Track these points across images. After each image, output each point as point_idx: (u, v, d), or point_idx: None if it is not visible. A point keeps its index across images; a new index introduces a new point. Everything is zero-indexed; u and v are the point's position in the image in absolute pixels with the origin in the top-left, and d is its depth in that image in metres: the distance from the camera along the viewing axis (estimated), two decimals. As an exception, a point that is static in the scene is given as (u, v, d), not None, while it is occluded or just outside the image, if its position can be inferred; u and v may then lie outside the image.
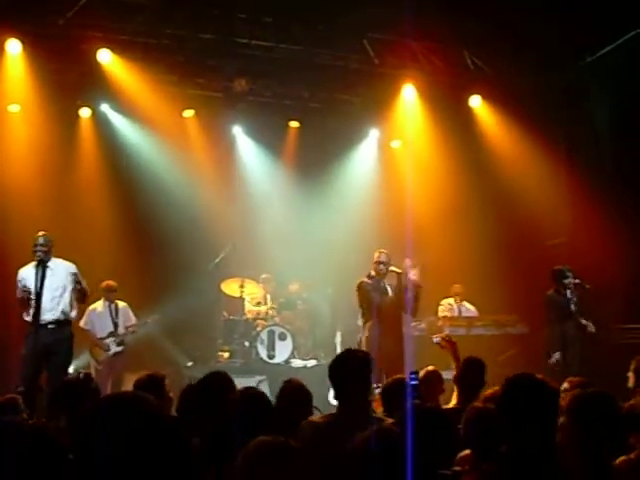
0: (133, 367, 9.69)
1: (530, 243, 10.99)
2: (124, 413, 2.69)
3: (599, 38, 10.13)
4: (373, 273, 9.03)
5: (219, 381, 4.55)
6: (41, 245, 7.96)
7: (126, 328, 10.11)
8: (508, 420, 3.17)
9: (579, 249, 10.24)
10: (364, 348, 8.64)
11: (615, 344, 9.44)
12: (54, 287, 8.00)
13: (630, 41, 9.76)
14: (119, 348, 9.99)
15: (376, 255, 9.02)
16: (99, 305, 10.12)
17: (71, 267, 8.20)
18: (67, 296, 8.12)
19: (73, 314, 8.28)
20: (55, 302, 8.00)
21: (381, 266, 8.92)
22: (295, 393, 4.56)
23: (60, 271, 8.12)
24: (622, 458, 3.55)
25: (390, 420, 3.81)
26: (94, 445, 2.64)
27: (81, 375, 4.93)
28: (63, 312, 8.08)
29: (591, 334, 9.21)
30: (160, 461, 2.60)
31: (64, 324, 8.11)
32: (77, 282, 8.05)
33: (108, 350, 9.92)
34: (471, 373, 5.30)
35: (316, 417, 4.60)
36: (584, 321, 9.20)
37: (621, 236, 9.93)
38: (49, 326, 7.96)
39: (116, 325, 10.09)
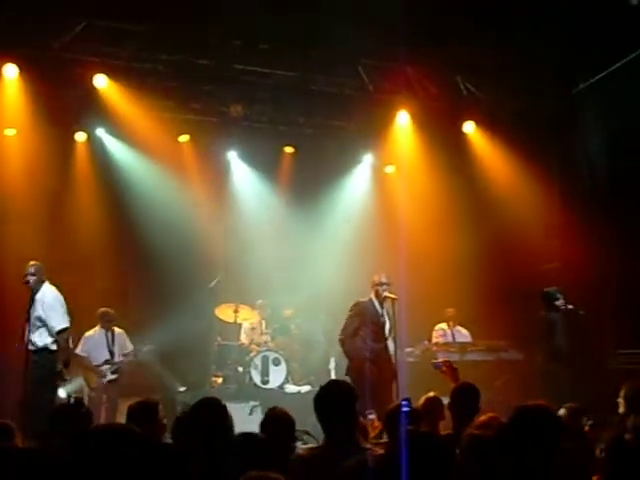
0: (127, 392, 9.63)
1: (523, 268, 10.99)
2: (115, 445, 2.69)
3: (592, 65, 10.23)
4: (372, 296, 9.05)
5: (211, 407, 4.53)
6: (27, 274, 8.14)
7: (123, 355, 10.07)
8: (514, 448, 3.15)
9: (572, 274, 10.25)
10: (353, 372, 8.67)
11: (610, 369, 9.43)
12: (34, 317, 8.10)
13: (623, 68, 9.86)
14: (114, 376, 9.93)
15: (376, 277, 9.03)
16: (95, 332, 10.07)
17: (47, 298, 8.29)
18: (39, 327, 8.19)
19: (44, 343, 8.23)
20: (32, 331, 8.07)
21: (384, 287, 8.93)
22: (279, 421, 4.54)
23: (43, 302, 8.17)
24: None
25: (380, 451, 3.79)
26: (86, 473, 2.64)
27: (72, 400, 4.90)
28: (33, 342, 8.11)
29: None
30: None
31: (37, 353, 8.13)
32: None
33: (104, 377, 9.86)
34: (465, 399, 5.29)
35: (303, 449, 4.55)
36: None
37: (615, 261, 9.96)
38: (32, 354, 8.04)
39: (112, 353, 10.04)
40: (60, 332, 8.21)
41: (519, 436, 3.18)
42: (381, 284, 8.96)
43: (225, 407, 4.53)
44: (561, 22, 9.11)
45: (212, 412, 4.37)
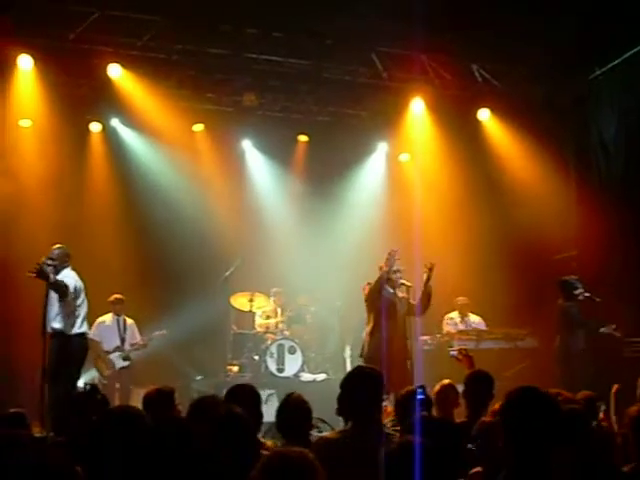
0: (142, 381, 9.71)
1: (538, 256, 10.94)
2: (126, 427, 2.70)
3: (608, 51, 10.13)
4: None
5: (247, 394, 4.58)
6: (48, 258, 8.05)
7: (131, 345, 10.15)
8: (508, 433, 3.16)
9: (588, 263, 10.20)
10: (367, 354, 8.67)
11: (627, 357, 9.38)
12: (51, 302, 8.04)
13: (639, 54, 9.76)
14: (125, 363, 10.03)
15: (389, 261, 8.99)
16: (108, 318, 10.20)
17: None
18: (55, 309, 8.10)
19: (59, 325, 8.17)
20: (50, 315, 7.99)
21: (397, 274, 8.91)
22: (296, 408, 4.55)
23: None
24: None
25: (397, 435, 3.80)
26: (100, 458, 2.65)
27: (87, 387, 4.94)
28: (52, 327, 8.07)
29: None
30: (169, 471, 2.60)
31: (54, 336, 8.09)
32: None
33: (114, 366, 9.95)
34: (479, 387, 5.29)
35: (328, 433, 4.57)
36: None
37: (630, 249, 9.89)
38: (50, 339, 7.99)
39: (123, 340, 10.14)
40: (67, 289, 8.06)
41: (510, 420, 3.20)
42: (394, 272, 8.93)
43: (259, 395, 4.60)
44: (577, 8, 9.03)
45: (247, 398, 4.41)
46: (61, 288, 8.00)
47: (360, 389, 4.14)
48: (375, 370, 4.46)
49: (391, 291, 8.94)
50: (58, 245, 8.31)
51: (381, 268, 8.88)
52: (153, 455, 2.43)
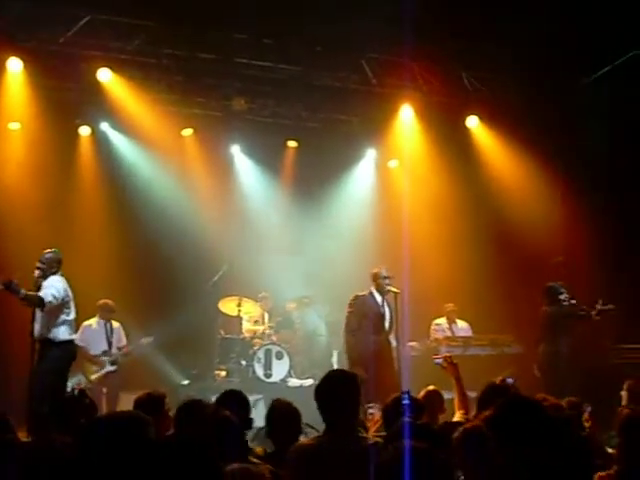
0: (129, 386, 9.66)
1: (527, 263, 11.00)
2: (120, 433, 2.70)
3: (597, 59, 10.22)
4: (373, 288, 9.07)
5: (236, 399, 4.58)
6: (38, 262, 7.97)
7: (117, 349, 10.09)
8: (500, 441, 3.17)
9: (576, 269, 10.25)
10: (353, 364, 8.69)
11: (612, 364, 9.44)
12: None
13: (627, 62, 9.85)
14: (112, 367, 9.93)
15: (377, 270, 9.07)
16: (93, 322, 10.09)
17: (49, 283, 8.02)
18: (42, 315, 7.98)
19: (46, 332, 8.04)
20: (36, 322, 7.93)
21: (386, 280, 8.96)
22: (284, 412, 4.54)
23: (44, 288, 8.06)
24: (602, 474, 3.62)
25: (378, 440, 3.78)
26: (90, 462, 2.65)
27: (75, 392, 4.92)
28: (39, 332, 7.98)
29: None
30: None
31: (42, 343, 8.00)
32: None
33: (103, 368, 9.87)
34: (493, 398, 5.27)
35: (304, 440, 4.54)
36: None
37: (618, 256, 9.96)
38: (38, 345, 7.93)
39: (110, 344, 10.07)
40: (41, 303, 7.86)
41: (503, 429, 3.21)
42: (383, 277, 8.99)
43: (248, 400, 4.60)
44: (565, 16, 9.10)
45: (237, 404, 4.41)
46: (33, 301, 7.82)
47: (331, 394, 4.01)
48: (348, 373, 4.36)
49: (380, 304, 9.00)
50: (51, 250, 8.22)
51: (375, 275, 8.97)
52: (144, 463, 2.43)
